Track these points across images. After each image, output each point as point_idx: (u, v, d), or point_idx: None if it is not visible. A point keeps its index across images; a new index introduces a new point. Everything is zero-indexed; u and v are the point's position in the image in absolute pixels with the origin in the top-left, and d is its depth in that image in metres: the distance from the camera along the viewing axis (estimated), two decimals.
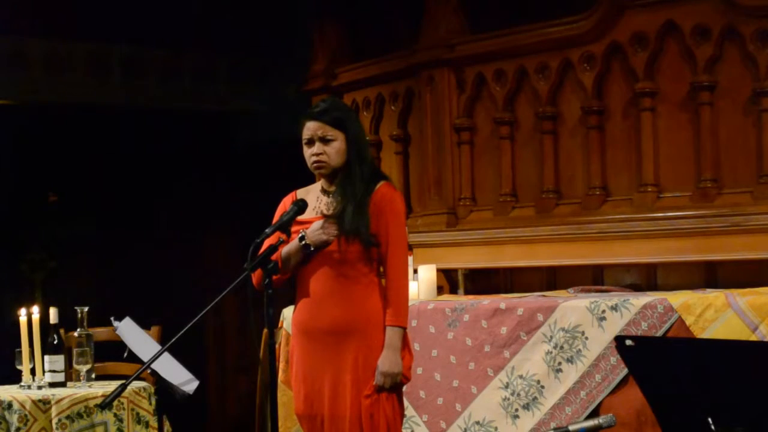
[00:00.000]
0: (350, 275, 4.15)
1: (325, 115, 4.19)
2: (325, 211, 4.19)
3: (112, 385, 4.95)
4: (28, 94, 8.22)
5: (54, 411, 5.06)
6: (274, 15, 8.47)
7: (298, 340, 4.27)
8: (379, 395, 4.12)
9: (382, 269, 4.22)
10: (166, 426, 5.18)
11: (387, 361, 4.12)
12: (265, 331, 4.47)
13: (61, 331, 5.46)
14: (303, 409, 4.26)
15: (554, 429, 3.12)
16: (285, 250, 4.15)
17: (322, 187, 4.28)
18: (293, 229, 4.19)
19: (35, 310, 5.39)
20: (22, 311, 5.36)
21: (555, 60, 5.77)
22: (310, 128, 4.19)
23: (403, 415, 4.26)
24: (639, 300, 4.78)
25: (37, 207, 8.83)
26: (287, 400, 5.42)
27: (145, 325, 5.18)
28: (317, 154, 4.17)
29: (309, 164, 4.23)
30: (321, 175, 4.25)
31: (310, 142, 4.20)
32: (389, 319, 4.15)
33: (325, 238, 4.14)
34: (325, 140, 4.17)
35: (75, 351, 5.41)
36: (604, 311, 4.83)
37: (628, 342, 2.99)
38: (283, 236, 4.08)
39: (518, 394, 5.04)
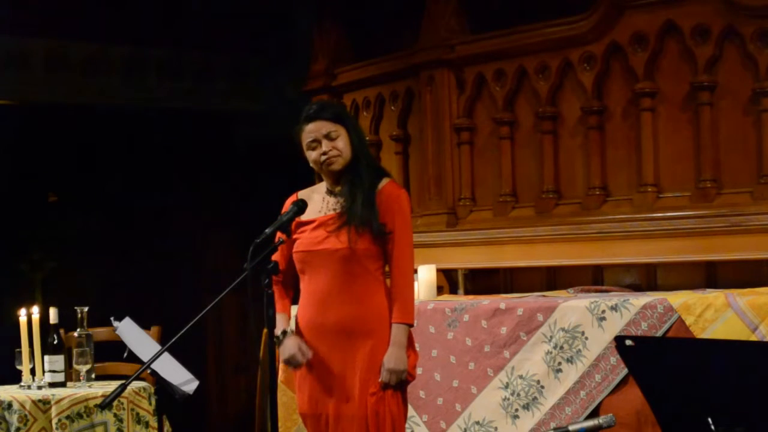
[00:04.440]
0: (357, 273, 4.15)
1: (324, 113, 4.20)
2: (332, 211, 4.19)
3: (112, 385, 4.95)
4: (28, 94, 8.22)
5: (54, 411, 5.06)
6: (274, 15, 8.47)
7: (303, 338, 4.26)
8: (384, 392, 4.12)
9: (388, 268, 4.22)
10: (166, 426, 5.18)
11: (393, 358, 4.12)
12: (265, 331, 4.47)
13: (61, 331, 5.46)
14: (307, 408, 4.25)
15: (554, 429, 3.12)
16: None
17: (327, 188, 4.28)
18: (299, 229, 4.22)
19: (35, 310, 5.39)
20: (22, 311, 5.36)
21: (555, 60, 5.77)
22: (313, 129, 4.19)
23: (407, 414, 4.26)
24: (639, 300, 4.79)
25: (37, 207, 8.83)
26: (287, 400, 5.42)
27: (145, 325, 5.18)
28: (327, 151, 4.17)
29: (319, 164, 4.21)
30: (332, 173, 4.23)
31: (315, 144, 4.19)
32: (395, 316, 4.15)
33: (299, 359, 4.16)
34: (330, 137, 4.18)
35: (75, 351, 5.41)
36: (604, 311, 4.84)
37: (628, 342, 2.99)
38: (283, 236, 4.08)
39: (518, 394, 5.04)
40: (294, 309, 4.38)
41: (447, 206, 6.19)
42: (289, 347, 4.18)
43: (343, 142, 4.19)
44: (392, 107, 6.60)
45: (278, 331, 4.13)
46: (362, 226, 4.12)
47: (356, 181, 4.18)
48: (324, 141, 4.18)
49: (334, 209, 4.20)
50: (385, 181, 4.22)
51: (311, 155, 4.22)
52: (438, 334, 5.33)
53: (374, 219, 4.13)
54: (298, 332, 4.30)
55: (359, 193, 4.15)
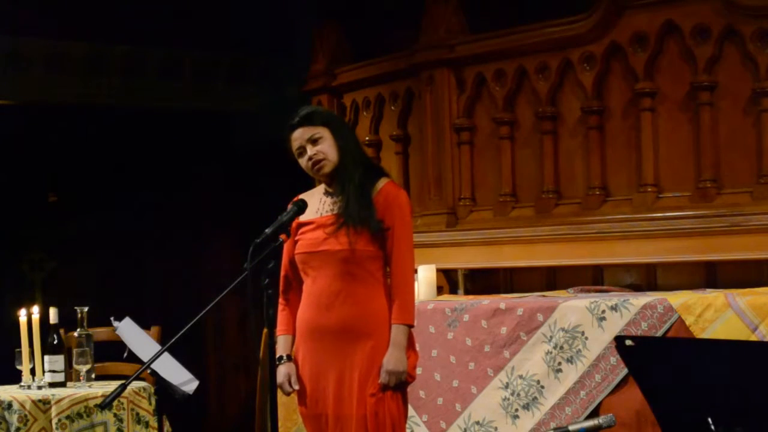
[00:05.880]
0: (357, 274, 4.15)
1: (306, 119, 4.23)
2: (329, 211, 4.20)
3: (112, 385, 4.95)
4: (28, 94, 8.22)
5: (54, 411, 5.05)
6: (274, 15, 8.47)
7: (303, 338, 4.27)
8: (384, 394, 4.12)
9: (388, 269, 4.22)
10: (166, 426, 5.17)
11: (392, 359, 4.12)
12: (265, 331, 4.47)
13: (61, 331, 5.46)
14: (308, 409, 4.25)
15: (554, 429, 3.12)
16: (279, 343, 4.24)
17: (325, 190, 4.29)
18: (300, 230, 4.22)
19: (35, 310, 5.39)
20: (22, 311, 5.36)
21: (555, 60, 5.77)
22: (297, 137, 4.22)
23: (407, 415, 4.26)
24: (639, 300, 4.78)
25: (37, 207, 8.83)
26: (287, 400, 5.41)
27: (145, 325, 5.18)
28: (312, 155, 4.19)
29: (310, 170, 4.23)
30: (324, 176, 4.24)
31: (302, 150, 4.21)
32: (395, 317, 4.15)
33: (287, 389, 4.24)
34: (314, 141, 4.20)
35: (75, 351, 5.41)
36: (604, 311, 4.84)
37: (628, 342, 2.99)
38: (283, 236, 4.07)
39: (518, 394, 5.04)
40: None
41: (447, 206, 6.19)
42: (281, 374, 4.23)
43: (327, 144, 4.20)
44: (392, 107, 6.60)
45: (278, 354, 4.20)
46: (360, 225, 4.12)
47: (347, 181, 4.18)
48: (308, 146, 4.20)
49: (331, 210, 4.20)
50: (383, 182, 4.22)
51: (301, 162, 4.25)
52: (438, 334, 5.32)
53: (371, 218, 4.13)
54: (298, 332, 4.30)
55: (352, 193, 4.16)
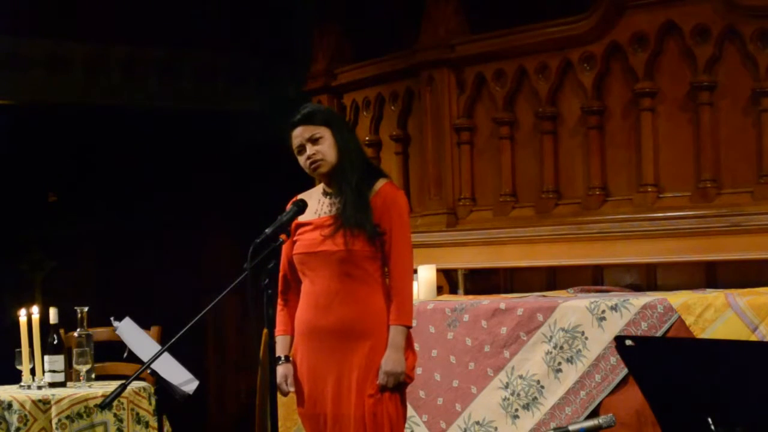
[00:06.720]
0: (355, 275, 4.15)
1: (307, 117, 4.23)
2: (327, 212, 4.20)
3: (112, 385, 4.95)
4: (28, 94, 8.22)
5: (54, 411, 5.06)
6: (274, 15, 8.47)
7: (301, 339, 4.27)
8: (382, 395, 4.12)
9: (386, 269, 4.22)
10: (166, 426, 5.17)
11: (390, 361, 4.12)
12: (265, 331, 4.47)
13: (61, 331, 5.46)
14: (306, 409, 4.26)
15: (554, 429, 3.12)
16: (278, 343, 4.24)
17: (324, 190, 4.29)
18: (298, 231, 4.22)
19: (35, 310, 5.39)
20: (22, 311, 5.36)
21: (555, 60, 5.77)
22: (297, 135, 4.23)
23: (405, 415, 4.26)
24: (639, 300, 4.79)
25: (37, 207, 8.83)
26: (287, 399, 5.41)
27: (145, 325, 5.18)
28: (311, 155, 4.19)
29: (307, 169, 4.24)
30: (321, 176, 4.25)
31: (301, 149, 4.22)
32: (393, 318, 4.15)
33: (284, 389, 4.25)
34: (314, 140, 4.20)
35: (75, 351, 5.41)
36: (603, 311, 4.84)
37: (628, 342, 2.99)
38: (283, 236, 4.08)
39: (518, 394, 5.04)
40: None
41: (447, 206, 6.19)
42: (278, 375, 4.22)
43: (326, 145, 4.20)
44: (392, 107, 6.60)
45: (276, 354, 4.18)
46: (356, 228, 4.12)
47: (345, 183, 4.19)
48: (308, 145, 4.20)
49: (329, 212, 4.20)
50: (381, 182, 4.22)
51: (300, 160, 4.25)
52: (438, 334, 5.32)
53: (367, 221, 4.13)
54: (297, 333, 4.30)
55: (349, 195, 4.16)
